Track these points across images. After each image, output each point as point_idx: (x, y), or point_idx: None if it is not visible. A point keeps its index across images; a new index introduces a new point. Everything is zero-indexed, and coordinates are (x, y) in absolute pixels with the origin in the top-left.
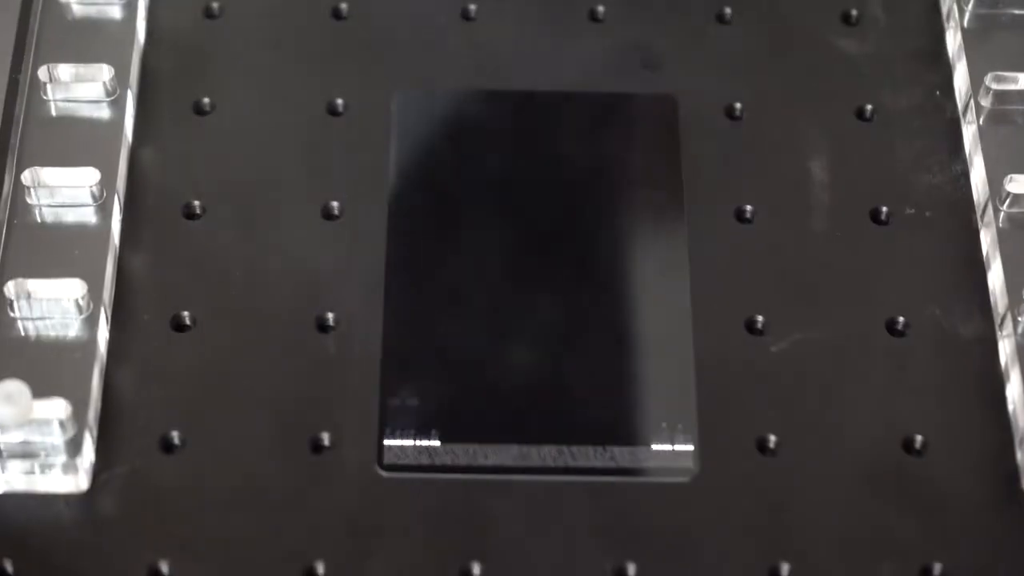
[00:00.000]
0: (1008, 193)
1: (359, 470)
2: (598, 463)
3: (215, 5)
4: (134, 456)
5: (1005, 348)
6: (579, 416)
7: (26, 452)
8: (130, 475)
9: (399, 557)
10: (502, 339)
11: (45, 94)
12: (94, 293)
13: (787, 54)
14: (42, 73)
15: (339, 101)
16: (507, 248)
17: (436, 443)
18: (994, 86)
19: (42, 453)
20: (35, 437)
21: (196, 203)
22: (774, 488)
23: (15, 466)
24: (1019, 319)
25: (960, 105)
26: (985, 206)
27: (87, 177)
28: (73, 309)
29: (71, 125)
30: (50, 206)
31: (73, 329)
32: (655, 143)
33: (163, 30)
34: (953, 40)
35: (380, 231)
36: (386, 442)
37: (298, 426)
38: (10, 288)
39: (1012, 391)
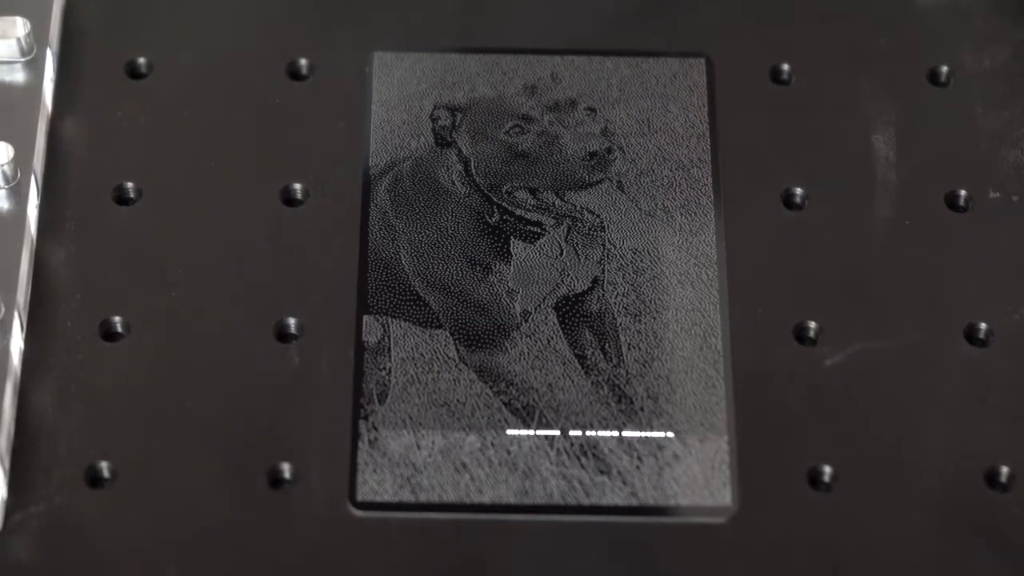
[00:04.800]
0: None
1: (327, 508)
2: (617, 500)
3: None
4: (54, 491)
5: None
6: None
7: None
8: (49, 514)
9: None
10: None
11: None
12: (6, 294)
13: (845, 5)
14: None
15: (303, 62)
16: (504, 244)
17: (420, 476)
18: None
19: None
20: None
21: (129, 185)
22: (829, 529)
23: None
24: None
25: None
26: None
27: None
28: None
29: None
30: None
31: None
32: (684, 112)
33: None
34: None
35: (353, 219)
36: (360, 475)
37: (253, 456)
38: None
39: None
